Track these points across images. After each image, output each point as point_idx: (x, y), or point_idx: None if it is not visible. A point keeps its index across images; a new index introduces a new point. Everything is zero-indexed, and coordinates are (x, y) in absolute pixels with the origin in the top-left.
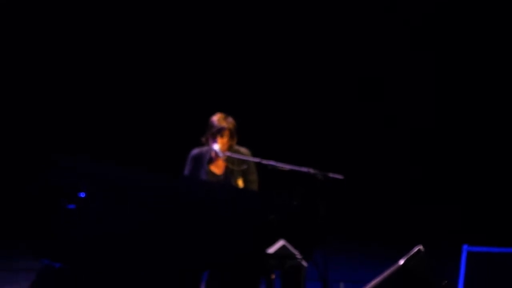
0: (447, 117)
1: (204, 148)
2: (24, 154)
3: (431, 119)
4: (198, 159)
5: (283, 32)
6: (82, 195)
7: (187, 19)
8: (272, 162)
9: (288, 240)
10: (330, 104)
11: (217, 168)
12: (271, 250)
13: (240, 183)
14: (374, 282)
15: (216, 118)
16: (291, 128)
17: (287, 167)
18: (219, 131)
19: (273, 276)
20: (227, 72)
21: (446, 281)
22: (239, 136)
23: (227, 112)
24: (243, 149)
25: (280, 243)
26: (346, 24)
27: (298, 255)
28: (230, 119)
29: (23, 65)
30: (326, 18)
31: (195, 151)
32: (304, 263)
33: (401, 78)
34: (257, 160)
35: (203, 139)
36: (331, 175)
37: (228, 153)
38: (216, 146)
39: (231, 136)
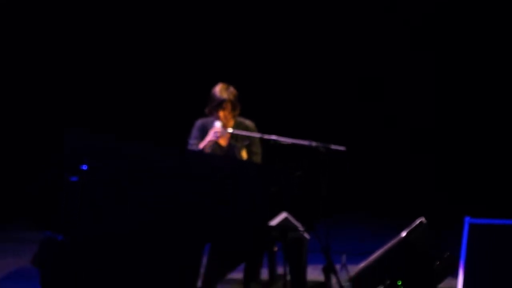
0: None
1: (209, 119)
2: (26, 127)
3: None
4: (203, 130)
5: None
6: (85, 167)
7: None
8: (274, 137)
9: (290, 212)
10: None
11: (221, 140)
12: (274, 222)
13: (244, 154)
14: (376, 254)
15: (218, 90)
16: (293, 101)
17: (289, 140)
18: (220, 104)
19: (276, 248)
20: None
21: (448, 253)
22: (242, 109)
23: (229, 83)
24: (247, 122)
25: (283, 215)
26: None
27: (301, 227)
28: (232, 89)
29: (23, 44)
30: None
31: (200, 121)
32: (306, 235)
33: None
34: (259, 135)
35: (207, 111)
36: (333, 147)
37: (231, 130)
38: (218, 124)
39: (233, 108)
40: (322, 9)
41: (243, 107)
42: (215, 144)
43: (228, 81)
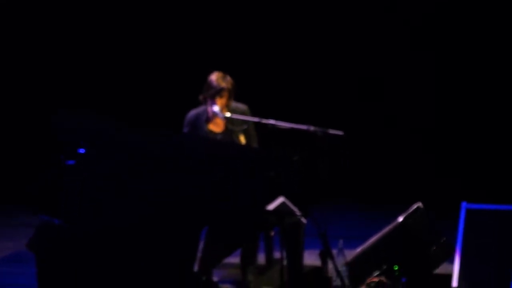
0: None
1: (201, 108)
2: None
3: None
4: (196, 120)
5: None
6: (82, 151)
7: None
8: (271, 121)
9: (287, 197)
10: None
11: (217, 127)
12: (271, 206)
13: (242, 139)
14: (373, 238)
15: (215, 78)
16: (290, 85)
17: (286, 125)
18: (218, 92)
19: (272, 233)
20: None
21: (444, 238)
22: (239, 94)
23: (226, 70)
24: (241, 106)
25: (280, 199)
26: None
27: (298, 212)
28: (229, 79)
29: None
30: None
31: (192, 113)
32: (303, 220)
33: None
34: (256, 119)
35: (201, 98)
36: (331, 131)
37: (229, 114)
38: (216, 108)
39: (229, 96)
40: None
41: (241, 90)
42: (210, 132)
43: (228, 66)
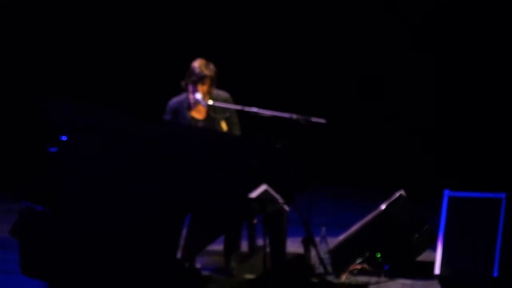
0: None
1: (183, 96)
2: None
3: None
4: (178, 107)
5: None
6: (64, 138)
7: None
8: (254, 109)
9: (270, 184)
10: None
11: (199, 114)
12: (253, 194)
13: (224, 126)
14: (356, 226)
15: (198, 65)
16: (273, 73)
17: (269, 113)
18: (201, 79)
19: (255, 220)
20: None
21: (427, 226)
22: (221, 82)
23: (209, 57)
24: (222, 93)
25: (262, 187)
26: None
27: (280, 200)
28: (211, 66)
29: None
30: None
31: (173, 100)
32: (286, 208)
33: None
34: (239, 107)
35: (183, 84)
36: (313, 119)
37: (211, 102)
38: (199, 95)
39: (212, 84)
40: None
41: (225, 78)
42: (192, 119)
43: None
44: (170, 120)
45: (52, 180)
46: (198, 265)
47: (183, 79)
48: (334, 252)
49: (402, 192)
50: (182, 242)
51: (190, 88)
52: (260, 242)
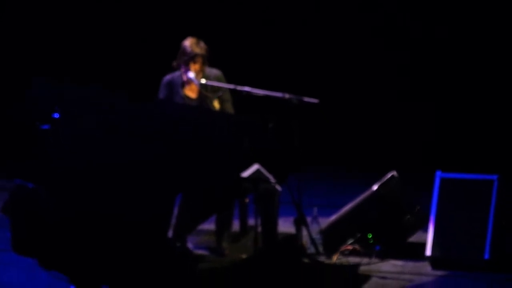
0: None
1: (176, 73)
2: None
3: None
4: (172, 84)
5: None
6: (56, 116)
7: None
8: (246, 88)
9: (262, 164)
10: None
11: (192, 92)
12: (245, 174)
13: (216, 104)
14: (348, 207)
15: (189, 44)
16: (265, 52)
17: (261, 92)
18: (192, 58)
19: (247, 200)
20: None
21: (419, 207)
22: (213, 60)
23: (200, 35)
24: (214, 71)
25: (255, 167)
26: None
27: (272, 179)
28: (202, 44)
29: None
30: None
31: (168, 77)
32: (278, 187)
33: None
34: (231, 86)
35: (174, 64)
36: (306, 99)
37: (204, 81)
38: (192, 74)
39: (203, 62)
40: None
41: (216, 56)
42: (185, 97)
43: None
44: (162, 99)
45: (43, 158)
46: (189, 245)
47: (174, 58)
48: (326, 233)
49: (394, 173)
50: (173, 221)
51: (183, 67)
52: (252, 221)
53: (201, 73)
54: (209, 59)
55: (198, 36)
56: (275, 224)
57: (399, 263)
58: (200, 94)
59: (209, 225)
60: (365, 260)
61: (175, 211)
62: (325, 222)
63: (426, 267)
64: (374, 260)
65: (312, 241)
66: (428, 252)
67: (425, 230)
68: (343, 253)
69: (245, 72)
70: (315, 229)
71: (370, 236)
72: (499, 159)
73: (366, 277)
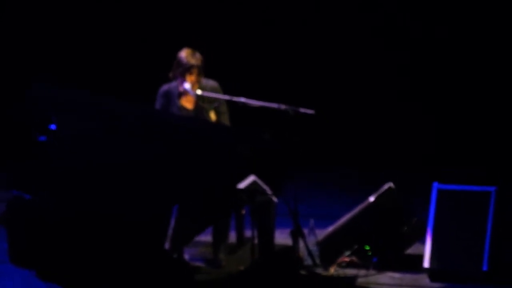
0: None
1: (173, 84)
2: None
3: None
4: (168, 95)
5: None
6: (53, 127)
7: None
8: (242, 99)
9: (258, 175)
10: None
11: (188, 103)
12: (242, 185)
13: (213, 116)
14: (344, 218)
15: (184, 55)
16: (261, 62)
17: (257, 103)
18: (188, 69)
19: (243, 211)
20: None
21: (416, 219)
22: (208, 71)
23: (195, 46)
24: (211, 82)
25: (251, 178)
26: None
27: (269, 191)
28: (198, 55)
29: None
30: None
31: (164, 87)
32: (275, 199)
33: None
34: (227, 97)
35: (170, 75)
36: (302, 110)
37: (200, 92)
38: (188, 85)
39: (199, 73)
40: None
41: (212, 67)
42: (182, 108)
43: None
44: (159, 109)
45: (41, 169)
46: (186, 256)
47: (170, 69)
48: (323, 244)
49: (391, 184)
50: (170, 232)
51: (179, 78)
52: (248, 233)
53: (197, 84)
54: (205, 70)
55: (195, 45)
56: (271, 236)
57: (396, 275)
58: (197, 105)
59: (205, 237)
60: (362, 272)
61: (172, 222)
62: (321, 233)
63: (424, 279)
64: (371, 272)
65: (309, 252)
66: (426, 264)
67: (423, 241)
68: (340, 265)
69: (241, 78)
70: (312, 241)
71: (368, 248)
72: (497, 171)
73: None
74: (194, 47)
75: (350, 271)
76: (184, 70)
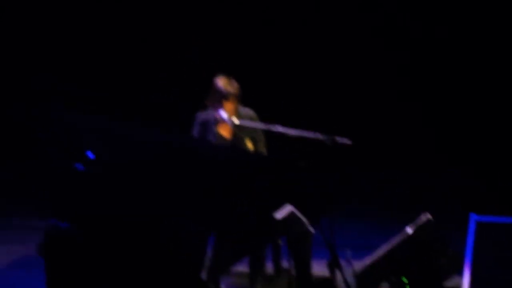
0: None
1: (210, 111)
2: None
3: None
4: (205, 123)
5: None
6: (90, 155)
7: None
8: (279, 128)
9: (295, 205)
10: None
11: (225, 131)
12: (278, 215)
13: (249, 144)
14: (381, 249)
15: (221, 83)
16: (297, 91)
17: (294, 132)
18: (225, 97)
19: (280, 242)
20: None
21: (453, 251)
22: (245, 99)
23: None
24: (247, 110)
25: (288, 208)
26: None
27: (305, 221)
28: (235, 83)
29: None
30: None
31: (202, 115)
32: (311, 229)
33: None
34: (264, 126)
35: (207, 103)
36: (339, 140)
37: (237, 121)
38: (224, 113)
39: (236, 101)
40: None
41: (248, 96)
42: (219, 136)
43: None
44: (196, 136)
45: (78, 197)
46: (223, 286)
47: (206, 97)
48: (360, 276)
49: (428, 215)
50: (207, 262)
51: (215, 106)
52: (285, 263)
53: (234, 112)
54: (241, 97)
55: (230, 73)
56: (308, 267)
57: None
58: (233, 133)
59: (242, 267)
60: None
61: (209, 252)
62: (359, 264)
63: None
64: None
65: (347, 284)
66: None
67: (461, 274)
68: None
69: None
70: (349, 272)
71: (405, 280)
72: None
73: None
74: (229, 74)
75: None
76: (221, 97)
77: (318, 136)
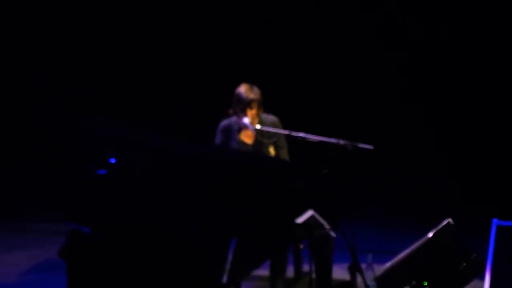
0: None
1: (233, 119)
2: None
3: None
4: (228, 130)
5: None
6: (113, 160)
7: None
8: (301, 134)
9: (316, 209)
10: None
11: (248, 138)
12: (300, 220)
13: (272, 151)
14: (402, 254)
15: (243, 90)
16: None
17: (316, 138)
18: (248, 104)
19: (301, 246)
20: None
21: (474, 255)
22: (269, 104)
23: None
24: (270, 117)
25: (309, 213)
26: None
27: (327, 225)
28: (256, 90)
29: None
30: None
31: (224, 122)
32: (332, 233)
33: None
34: (286, 132)
35: (230, 111)
36: (361, 145)
37: (259, 127)
38: (247, 120)
39: (258, 107)
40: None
41: (270, 102)
42: (241, 143)
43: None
44: (221, 144)
45: (100, 202)
46: None
47: (230, 105)
48: (381, 280)
49: (449, 220)
50: (228, 266)
51: (239, 113)
52: (306, 267)
53: (256, 118)
54: (264, 104)
55: (253, 81)
56: (329, 271)
57: None
58: (256, 140)
59: (263, 271)
60: None
61: (230, 256)
62: (380, 268)
63: None
64: None
65: None
66: None
67: (482, 278)
68: None
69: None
70: (370, 276)
71: (426, 284)
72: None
73: None
74: (252, 83)
75: None
76: (244, 105)
77: (340, 141)
